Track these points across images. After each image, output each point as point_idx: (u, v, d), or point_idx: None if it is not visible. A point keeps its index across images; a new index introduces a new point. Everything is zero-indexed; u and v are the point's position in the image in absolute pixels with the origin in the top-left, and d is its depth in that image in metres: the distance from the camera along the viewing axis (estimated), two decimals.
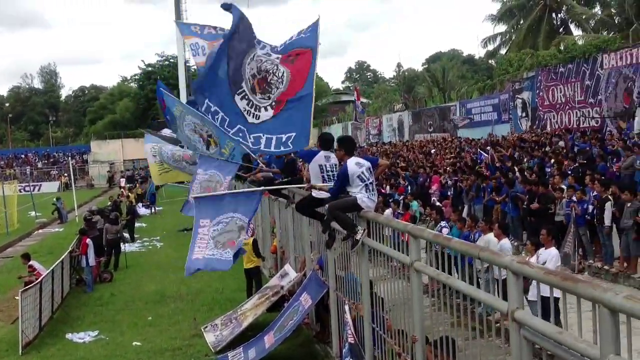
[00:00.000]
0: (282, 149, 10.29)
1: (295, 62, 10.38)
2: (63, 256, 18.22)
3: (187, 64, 56.69)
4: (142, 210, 38.42)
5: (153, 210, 39.67)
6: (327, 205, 8.18)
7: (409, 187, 23.91)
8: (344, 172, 7.87)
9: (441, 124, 45.11)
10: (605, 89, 26.23)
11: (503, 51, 54.21)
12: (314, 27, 10.73)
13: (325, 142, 9.19)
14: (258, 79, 10.38)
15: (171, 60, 75.60)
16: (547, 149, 23.42)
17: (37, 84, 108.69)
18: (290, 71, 10.38)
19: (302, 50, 10.47)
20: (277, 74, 10.36)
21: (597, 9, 48.89)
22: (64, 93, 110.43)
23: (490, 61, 65.53)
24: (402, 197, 21.74)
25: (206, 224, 10.04)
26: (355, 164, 7.89)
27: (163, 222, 34.72)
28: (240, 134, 10.22)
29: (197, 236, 10.11)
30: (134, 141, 69.64)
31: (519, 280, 4.09)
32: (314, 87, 10.38)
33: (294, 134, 10.01)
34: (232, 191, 10.81)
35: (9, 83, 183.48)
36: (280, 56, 10.51)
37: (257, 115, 10.29)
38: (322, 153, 8.91)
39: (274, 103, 10.31)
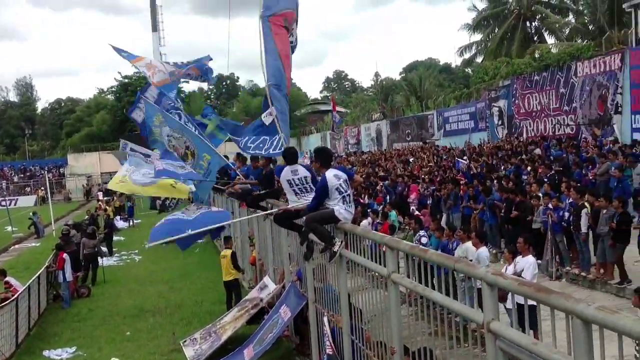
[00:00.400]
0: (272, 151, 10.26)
1: None
2: (39, 272, 18.02)
3: None
4: (120, 223, 38.14)
5: (131, 223, 39.40)
6: (304, 218, 8.19)
7: (388, 197, 23.96)
8: (323, 185, 7.85)
9: (419, 133, 45.33)
10: (580, 97, 26.53)
11: (479, 60, 54.66)
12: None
13: (289, 156, 9.13)
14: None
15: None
16: (524, 156, 23.60)
17: (13, 96, 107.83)
18: None
19: None
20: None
21: (571, 17, 49.50)
22: (40, 106, 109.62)
23: (466, 69, 66.04)
24: (381, 206, 21.80)
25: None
26: (333, 176, 7.90)
27: (141, 235, 34.41)
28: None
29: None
30: (111, 154, 69.14)
31: (493, 292, 4.11)
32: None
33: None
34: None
35: None
36: None
37: None
38: (287, 168, 8.84)
39: None
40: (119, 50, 14.82)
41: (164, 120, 11.37)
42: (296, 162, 9.00)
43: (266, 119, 10.77)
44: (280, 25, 10.46)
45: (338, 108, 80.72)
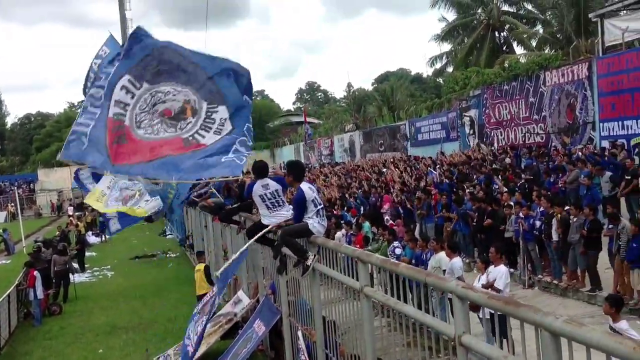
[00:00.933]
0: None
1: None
2: (10, 290, 17.75)
3: None
4: (92, 239, 37.74)
5: (103, 239, 38.98)
6: (278, 232, 8.18)
7: (362, 208, 23.99)
8: (301, 198, 7.83)
9: (392, 143, 45.56)
10: (549, 106, 26.88)
11: (450, 69, 55.23)
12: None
13: (257, 171, 9.08)
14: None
15: None
16: (495, 165, 23.82)
17: None
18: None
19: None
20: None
21: (539, 27, 50.22)
22: (10, 121, 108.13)
23: (437, 79, 66.64)
24: (355, 218, 21.82)
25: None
26: (308, 188, 7.92)
27: (114, 250, 34.18)
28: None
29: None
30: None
31: (464, 305, 4.13)
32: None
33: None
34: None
35: None
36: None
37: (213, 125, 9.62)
38: (258, 183, 8.77)
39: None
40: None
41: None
42: (266, 176, 8.97)
43: None
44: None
45: (310, 119, 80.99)
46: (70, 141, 9.65)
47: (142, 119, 9.35)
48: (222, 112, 9.11)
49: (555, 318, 3.13)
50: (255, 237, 8.81)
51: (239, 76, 9.14)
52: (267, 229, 8.80)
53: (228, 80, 9.19)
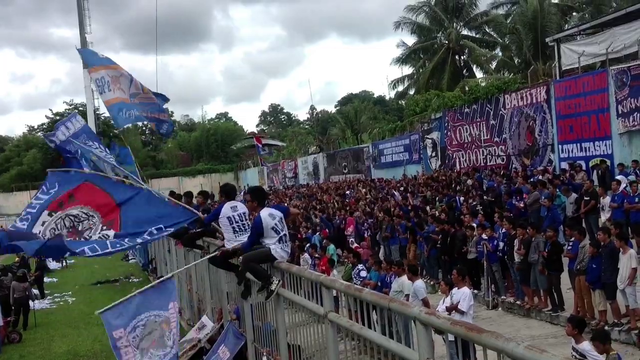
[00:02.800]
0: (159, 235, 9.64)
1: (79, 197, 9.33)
2: None
3: (97, 112, 55.60)
4: (52, 264, 36.97)
5: (64, 264, 38.27)
6: (241, 257, 8.15)
7: (327, 230, 24.02)
8: (257, 225, 7.83)
9: (355, 165, 45.82)
10: (509, 128, 27.36)
11: (412, 92, 55.87)
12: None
13: (227, 193, 9.10)
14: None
15: (80, 108, 74.04)
16: (457, 187, 24.11)
17: None
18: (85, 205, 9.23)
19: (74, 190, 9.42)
20: (79, 218, 9.13)
21: (498, 51, 51.20)
22: None
23: (400, 102, 67.32)
24: (324, 240, 21.81)
25: (121, 335, 8.88)
26: (268, 215, 7.88)
27: (75, 275, 33.57)
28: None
29: (120, 352, 8.38)
30: None
31: (428, 331, 4.17)
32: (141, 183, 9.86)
33: (158, 224, 9.02)
34: (141, 289, 9.59)
35: None
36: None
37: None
38: (227, 204, 8.79)
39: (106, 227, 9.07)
40: (86, 53, 14.08)
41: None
42: (234, 199, 8.98)
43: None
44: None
45: (274, 142, 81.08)
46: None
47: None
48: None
49: (517, 344, 3.18)
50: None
51: None
52: (214, 252, 8.83)
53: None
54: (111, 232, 8.82)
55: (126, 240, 8.80)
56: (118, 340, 8.63)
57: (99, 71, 12.60)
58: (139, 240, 9.00)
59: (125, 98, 12.83)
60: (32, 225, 8.96)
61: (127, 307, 8.80)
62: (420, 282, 12.14)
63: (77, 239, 8.76)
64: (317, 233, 23.75)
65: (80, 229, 8.92)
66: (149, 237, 9.00)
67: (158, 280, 10.23)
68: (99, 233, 8.80)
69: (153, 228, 8.82)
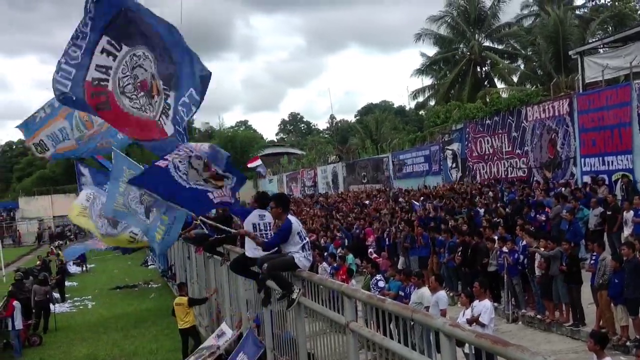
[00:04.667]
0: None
1: None
2: None
3: None
4: (72, 268, 37.35)
5: (84, 268, 38.62)
6: (264, 265, 8.16)
7: (346, 240, 24.01)
8: (287, 227, 7.85)
9: (375, 175, 45.73)
10: (531, 140, 27.19)
11: (432, 103, 55.80)
12: None
13: (260, 200, 9.18)
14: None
15: None
16: (477, 199, 23.98)
17: None
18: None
19: None
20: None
21: (520, 63, 50.99)
22: None
23: (420, 112, 67.21)
24: (338, 250, 21.83)
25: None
26: (296, 221, 7.96)
27: (95, 279, 33.88)
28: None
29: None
30: (64, 197, 68.11)
31: (451, 343, 4.16)
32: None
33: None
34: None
35: None
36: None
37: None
38: (256, 212, 8.88)
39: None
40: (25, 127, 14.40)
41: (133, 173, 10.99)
42: (265, 208, 9.04)
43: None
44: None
45: (293, 150, 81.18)
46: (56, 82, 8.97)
47: (126, 83, 8.78)
48: (171, 99, 8.30)
49: (544, 358, 3.16)
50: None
51: (196, 68, 8.09)
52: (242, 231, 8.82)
53: (188, 68, 8.17)
54: None
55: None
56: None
57: (37, 136, 12.97)
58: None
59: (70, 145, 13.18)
60: None
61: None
62: (443, 293, 12.11)
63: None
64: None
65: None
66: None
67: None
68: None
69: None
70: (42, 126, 14.44)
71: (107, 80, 8.71)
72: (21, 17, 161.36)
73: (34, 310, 20.82)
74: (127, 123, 8.86)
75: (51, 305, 21.76)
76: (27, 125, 14.45)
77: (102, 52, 8.63)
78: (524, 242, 15.16)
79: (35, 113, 14.52)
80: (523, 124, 27.77)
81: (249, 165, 55.97)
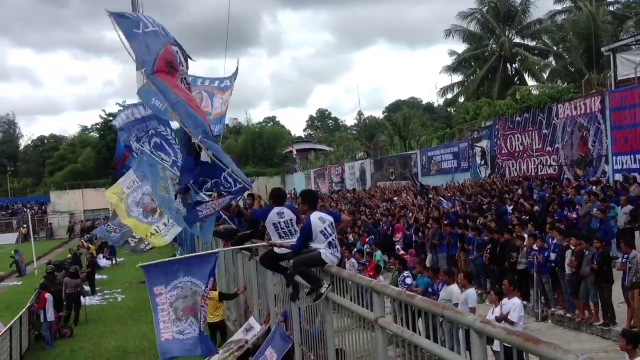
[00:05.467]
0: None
1: None
2: (22, 311, 17.81)
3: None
4: (102, 261, 37.78)
5: (114, 262, 39.06)
6: (291, 260, 8.20)
7: (373, 236, 23.99)
8: (307, 228, 7.86)
9: (402, 172, 45.60)
10: (562, 138, 26.91)
11: (461, 100, 55.43)
12: None
13: (276, 197, 9.10)
14: None
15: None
16: (506, 196, 23.80)
17: None
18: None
19: None
20: None
21: (551, 60, 50.43)
22: (23, 143, 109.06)
23: (448, 109, 66.86)
24: (365, 246, 21.83)
25: (162, 292, 9.33)
26: (318, 219, 7.89)
27: (124, 273, 34.20)
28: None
29: (157, 308, 9.32)
30: (94, 191, 69.12)
31: (482, 340, 4.15)
32: None
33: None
34: (183, 256, 10.16)
35: None
36: None
37: None
38: (274, 210, 8.78)
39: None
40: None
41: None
42: (283, 204, 8.99)
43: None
44: (164, 72, 8.74)
45: (321, 146, 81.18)
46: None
47: None
48: None
49: (576, 356, 3.15)
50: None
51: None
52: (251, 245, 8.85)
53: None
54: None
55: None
56: (157, 297, 9.06)
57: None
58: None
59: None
60: None
61: (169, 267, 9.26)
62: (472, 291, 12.06)
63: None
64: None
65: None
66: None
67: (202, 253, 10.55)
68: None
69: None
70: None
71: None
72: (52, 14, 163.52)
73: (65, 303, 21.13)
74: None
75: (82, 298, 22.05)
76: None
77: None
78: (554, 240, 15.03)
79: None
80: (554, 121, 27.49)
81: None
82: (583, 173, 25.37)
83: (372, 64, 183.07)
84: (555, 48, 49.39)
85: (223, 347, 13.70)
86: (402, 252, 21.57)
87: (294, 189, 59.57)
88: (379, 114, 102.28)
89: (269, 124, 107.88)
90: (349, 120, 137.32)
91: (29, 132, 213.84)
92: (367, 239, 23.63)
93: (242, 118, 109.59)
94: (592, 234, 15.96)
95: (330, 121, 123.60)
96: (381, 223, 25.87)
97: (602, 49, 30.68)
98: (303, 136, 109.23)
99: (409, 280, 14.76)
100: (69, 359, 17.12)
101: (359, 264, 18.27)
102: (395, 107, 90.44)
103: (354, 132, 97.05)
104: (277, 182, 68.99)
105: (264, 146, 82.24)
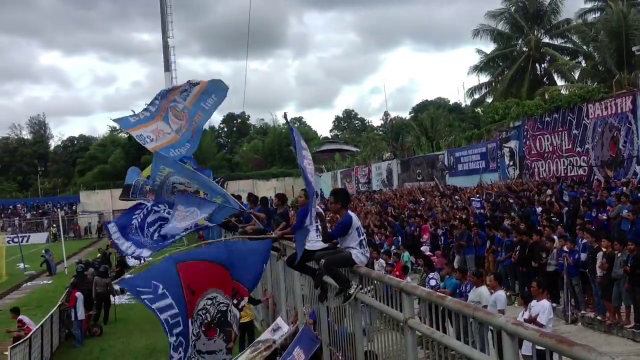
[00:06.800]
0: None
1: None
2: (53, 310, 18.04)
3: None
4: (131, 261, 38.00)
5: (143, 261, 39.33)
6: (321, 261, 8.21)
7: (400, 237, 23.92)
8: (347, 221, 7.87)
9: (430, 173, 45.40)
10: (592, 138, 26.60)
11: (489, 100, 54.95)
12: None
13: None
14: None
15: None
16: (536, 197, 23.59)
17: (26, 134, 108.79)
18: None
19: None
20: None
21: (580, 59, 49.82)
22: (53, 144, 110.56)
23: (476, 109, 66.37)
24: (391, 247, 21.77)
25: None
26: (356, 217, 7.99)
27: None
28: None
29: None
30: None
31: (514, 342, 4.13)
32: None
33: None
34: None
35: None
36: None
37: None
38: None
39: None
40: (122, 121, 15.11)
41: (172, 170, 11.31)
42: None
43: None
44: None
45: (347, 147, 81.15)
46: None
47: None
48: None
49: (611, 359, 3.11)
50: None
51: None
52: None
53: None
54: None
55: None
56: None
57: (138, 130, 13.45)
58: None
59: (171, 139, 13.64)
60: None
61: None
62: (502, 292, 11.99)
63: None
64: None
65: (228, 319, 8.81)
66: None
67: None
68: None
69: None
70: (143, 123, 14.69)
71: None
72: (81, 16, 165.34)
73: (95, 302, 21.36)
74: None
75: (111, 297, 22.27)
76: (127, 120, 14.77)
77: None
78: (584, 241, 14.87)
79: (136, 114, 14.90)
80: (584, 122, 27.20)
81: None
82: (613, 174, 25.04)
83: (398, 65, 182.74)
84: (584, 48, 48.75)
85: (250, 346, 13.76)
86: (428, 252, 21.49)
87: (320, 189, 59.60)
88: (405, 115, 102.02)
89: (295, 125, 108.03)
90: (376, 120, 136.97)
91: (59, 132, 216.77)
92: (393, 240, 23.58)
93: (268, 119, 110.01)
94: (623, 235, 15.75)
95: (356, 122, 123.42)
96: (408, 223, 25.78)
97: (634, 49, 30.35)
98: (329, 137, 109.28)
99: (433, 282, 14.69)
100: (99, 357, 17.30)
101: (387, 265, 18.23)
102: (422, 108, 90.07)
103: (380, 132, 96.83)
104: (302, 183, 68.82)
105: (290, 147, 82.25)
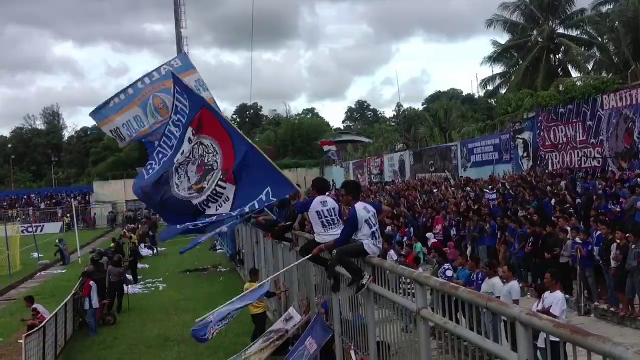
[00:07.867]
0: (266, 204, 10.42)
1: (205, 127, 10.50)
2: (67, 299, 18.16)
3: None
4: (144, 251, 38.32)
5: (155, 251, 39.59)
6: (333, 251, 8.22)
7: (412, 228, 23.87)
8: (353, 217, 7.89)
9: (442, 164, 45.25)
10: (607, 130, 26.41)
11: (502, 91, 54.62)
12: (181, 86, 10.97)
13: (319, 187, 9.17)
14: (198, 167, 10.53)
15: None
16: (549, 188, 23.47)
17: (40, 124, 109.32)
18: (213, 138, 10.47)
19: (200, 114, 10.59)
20: (208, 150, 10.43)
21: (595, 50, 49.40)
22: (67, 134, 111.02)
23: (489, 100, 66.01)
24: (403, 238, 21.74)
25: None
26: (362, 208, 7.94)
27: (165, 262, 34.68)
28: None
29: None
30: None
31: (528, 332, 4.12)
32: (247, 138, 10.57)
33: (268, 187, 9.94)
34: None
35: (12, 124, 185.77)
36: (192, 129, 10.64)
37: (219, 199, 10.31)
38: (317, 199, 8.85)
39: (223, 176, 10.29)
40: (96, 115, 15.39)
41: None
42: (325, 193, 9.06)
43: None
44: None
45: (360, 138, 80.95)
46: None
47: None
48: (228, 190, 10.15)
49: (626, 349, 3.10)
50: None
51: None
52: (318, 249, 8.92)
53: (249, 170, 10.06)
54: (226, 186, 9.72)
55: (237, 211, 9.59)
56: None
57: (108, 123, 13.82)
58: (247, 210, 9.75)
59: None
60: (179, 148, 10.08)
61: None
62: (515, 283, 11.95)
63: (201, 174, 10.08)
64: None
65: (206, 160, 9.84)
66: (257, 206, 9.72)
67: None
68: (216, 182, 9.76)
69: (263, 194, 9.46)
70: (117, 111, 14.97)
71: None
72: (94, 7, 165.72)
73: (108, 291, 21.46)
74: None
75: (125, 286, 22.37)
76: (100, 111, 15.06)
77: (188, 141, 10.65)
78: (598, 233, 14.79)
79: (108, 99, 15.09)
80: (598, 113, 26.99)
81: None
82: (628, 166, 24.86)
83: (410, 55, 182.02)
84: (599, 39, 48.32)
85: (263, 336, 13.81)
86: (432, 240, 21.45)
87: (333, 180, 59.63)
88: (418, 106, 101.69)
89: (307, 116, 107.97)
90: (388, 111, 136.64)
91: (73, 123, 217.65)
92: (405, 231, 23.55)
93: (281, 109, 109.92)
94: (637, 227, 15.64)
95: (369, 113, 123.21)
96: (421, 215, 25.74)
97: None
98: (342, 128, 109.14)
99: (449, 273, 14.64)
100: (112, 345, 17.41)
101: (399, 256, 18.22)
102: (434, 99, 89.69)
103: (392, 123, 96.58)
104: (316, 173, 68.94)
105: (302, 138, 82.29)
